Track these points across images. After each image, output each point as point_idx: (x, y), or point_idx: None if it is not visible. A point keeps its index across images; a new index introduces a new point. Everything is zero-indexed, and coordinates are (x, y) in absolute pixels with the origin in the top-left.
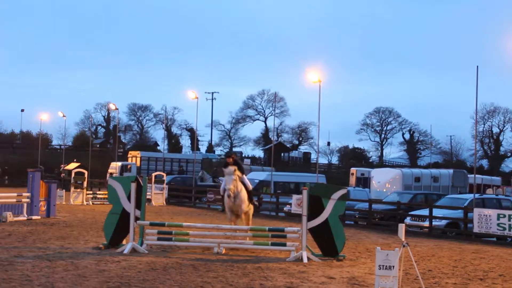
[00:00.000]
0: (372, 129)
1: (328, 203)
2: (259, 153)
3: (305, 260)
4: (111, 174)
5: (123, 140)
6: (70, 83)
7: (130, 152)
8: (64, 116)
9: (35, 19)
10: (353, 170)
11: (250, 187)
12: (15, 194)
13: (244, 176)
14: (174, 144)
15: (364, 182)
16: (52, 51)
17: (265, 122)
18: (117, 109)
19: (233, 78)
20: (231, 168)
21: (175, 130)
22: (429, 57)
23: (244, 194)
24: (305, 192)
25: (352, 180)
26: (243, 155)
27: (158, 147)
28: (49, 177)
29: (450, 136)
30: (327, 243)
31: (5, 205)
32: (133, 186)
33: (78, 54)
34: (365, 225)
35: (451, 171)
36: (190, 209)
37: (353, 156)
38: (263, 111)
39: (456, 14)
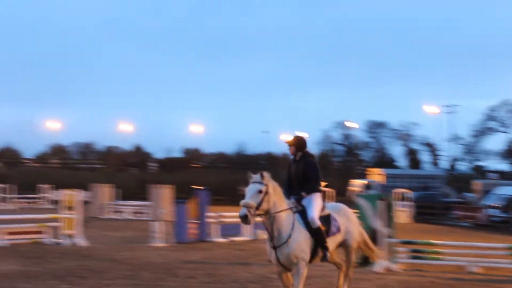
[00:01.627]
0: None
1: None
2: (505, 167)
3: None
4: (353, 192)
5: (362, 158)
6: (306, 103)
7: (369, 169)
8: (307, 136)
9: (273, 45)
10: None
11: (317, 223)
12: None
13: (315, 196)
14: (413, 160)
15: None
16: (292, 73)
17: (508, 133)
18: (356, 127)
19: (471, 90)
20: (263, 174)
21: (413, 145)
22: None
23: (298, 236)
24: None
25: None
26: (487, 170)
27: (394, 163)
28: None
29: None
30: None
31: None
32: (381, 203)
33: (316, 74)
34: None
35: None
36: (436, 226)
37: None
38: (506, 122)
39: None
